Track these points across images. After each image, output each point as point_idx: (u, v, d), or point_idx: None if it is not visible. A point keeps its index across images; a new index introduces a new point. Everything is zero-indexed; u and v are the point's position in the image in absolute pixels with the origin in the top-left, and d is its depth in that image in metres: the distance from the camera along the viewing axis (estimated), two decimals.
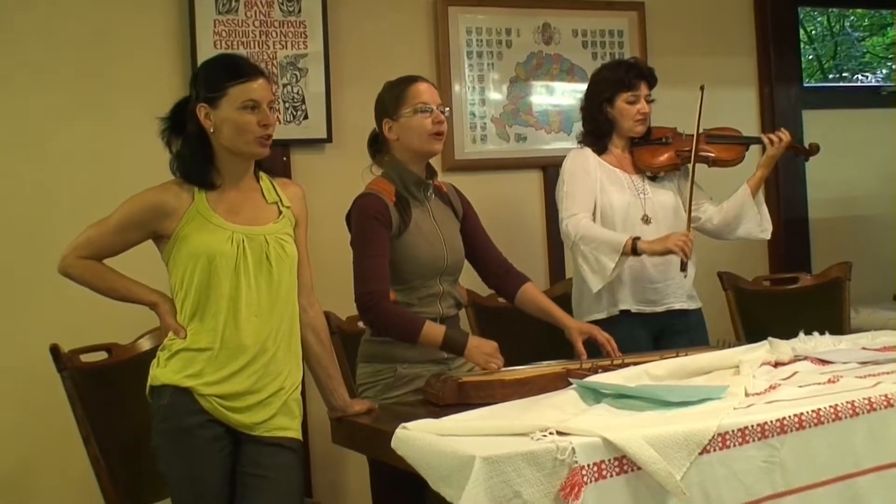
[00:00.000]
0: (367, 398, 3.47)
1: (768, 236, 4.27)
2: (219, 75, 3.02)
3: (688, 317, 4.13)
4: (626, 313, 4.02)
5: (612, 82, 4.11)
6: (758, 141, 4.28)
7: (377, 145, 3.63)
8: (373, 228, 3.41)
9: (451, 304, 3.57)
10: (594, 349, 3.62)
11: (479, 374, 3.32)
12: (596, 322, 3.90)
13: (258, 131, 2.98)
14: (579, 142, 4.23)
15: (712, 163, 4.19)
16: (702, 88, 4.08)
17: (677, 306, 4.10)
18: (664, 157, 4.14)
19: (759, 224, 4.20)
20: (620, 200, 4.04)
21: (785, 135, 4.19)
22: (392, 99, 3.51)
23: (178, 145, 3.09)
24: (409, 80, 3.55)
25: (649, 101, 4.12)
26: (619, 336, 3.66)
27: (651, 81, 4.14)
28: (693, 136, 4.07)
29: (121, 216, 3.04)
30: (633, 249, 3.83)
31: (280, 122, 4.41)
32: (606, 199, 4.04)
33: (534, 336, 4.15)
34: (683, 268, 3.92)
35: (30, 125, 4.15)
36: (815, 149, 4.37)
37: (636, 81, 4.09)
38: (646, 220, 4.05)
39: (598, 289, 3.92)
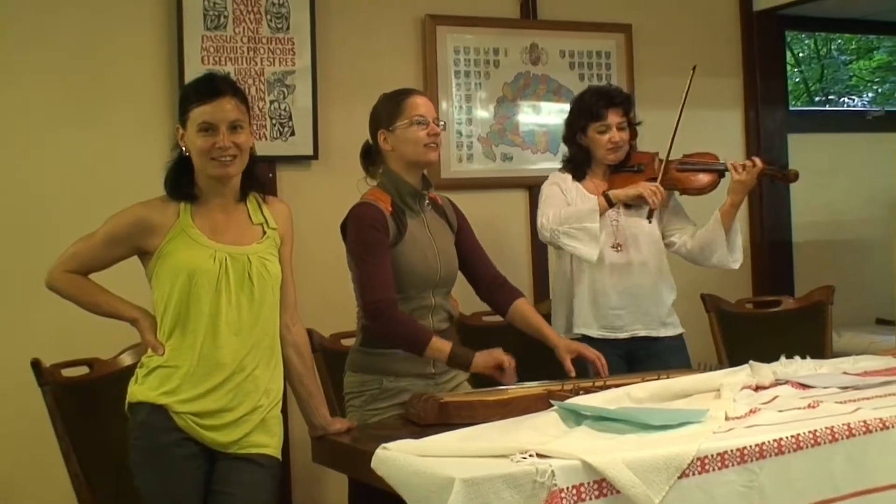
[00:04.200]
0: (353, 408, 3.48)
1: (736, 266, 4.19)
2: (186, 97, 3.06)
3: (658, 343, 4.10)
4: (585, 338, 4.00)
5: (583, 112, 4.14)
6: (723, 168, 4.16)
7: (370, 157, 3.62)
8: (372, 236, 3.41)
9: (442, 318, 3.57)
10: (584, 367, 3.63)
11: (461, 394, 3.32)
12: None
13: (213, 153, 2.97)
14: (560, 168, 4.25)
15: (682, 191, 4.19)
16: (693, 69, 4.12)
17: (643, 333, 4.08)
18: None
19: (728, 254, 4.12)
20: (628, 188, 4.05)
21: (756, 162, 4.09)
22: (388, 110, 3.52)
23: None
24: (406, 93, 3.57)
25: (623, 128, 4.11)
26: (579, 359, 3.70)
27: (626, 108, 4.14)
28: (662, 163, 4.09)
29: (107, 231, 3.05)
30: (608, 201, 3.95)
31: (266, 139, 4.42)
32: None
33: (516, 357, 4.16)
34: (650, 215, 3.96)
35: (17, 136, 4.15)
36: (792, 176, 4.26)
37: (604, 111, 4.09)
38: (616, 247, 4.06)
39: (595, 255, 3.95)
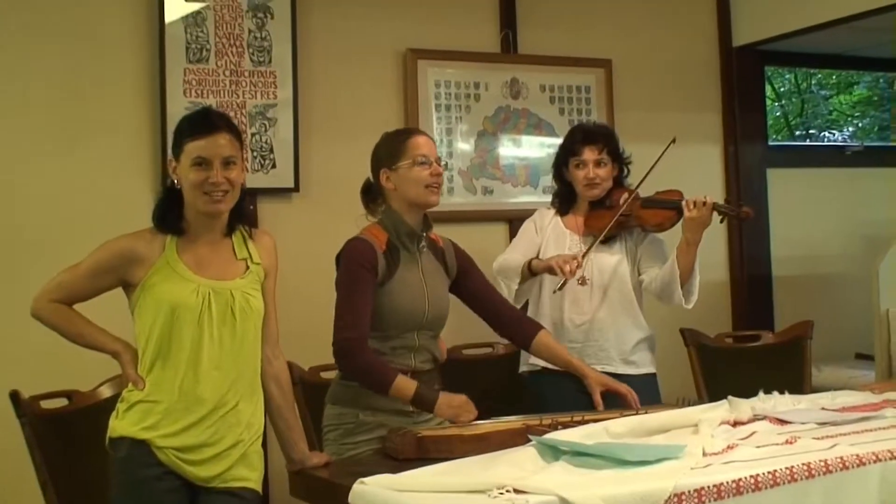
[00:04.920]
0: (329, 441, 3.47)
1: (689, 306, 4.11)
2: (181, 130, 3.05)
3: (621, 381, 3.85)
4: (546, 370, 3.97)
5: (563, 148, 4.21)
6: (677, 205, 4.09)
7: (370, 194, 3.62)
8: (358, 273, 3.41)
9: (425, 359, 3.55)
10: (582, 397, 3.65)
11: (439, 428, 3.32)
12: (531, 372, 4.07)
13: (205, 188, 2.98)
14: (550, 202, 4.32)
15: (645, 227, 4.17)
16: (672, 141, 4.13)
17: (599, 368, 3.93)
18: (603, 222, 4.12)
19: (683, 294, 4.05)
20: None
21: (707, 200, 3.98)
22: (390, 150, 3.52)
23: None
24: (409, 133, 3.59)
25: (602, 165, 4.12)
26: (543, 390, 3.70)
27: (605, 144, 4.14)
28: (629, 200, 4.11)
29: (92, 262, 3.05)
30: (530, 269, 4.00)
31: (248, 171, 4.42)
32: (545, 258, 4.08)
33: (495, 390, 4.17)
34: (560, 287, 3.97)
35: None
36: (744, 214, 4.16)
37: (580, 147, 4.12)
38: (581, 281, 4.06)
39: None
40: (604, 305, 4.11)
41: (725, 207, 4.10)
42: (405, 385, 3.36)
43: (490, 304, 3.76)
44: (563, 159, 4.19)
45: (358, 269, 3.42)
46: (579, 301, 4.11)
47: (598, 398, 3.61)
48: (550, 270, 3.90)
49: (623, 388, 3.66)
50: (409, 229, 3.52)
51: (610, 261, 4.14)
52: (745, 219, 4.23)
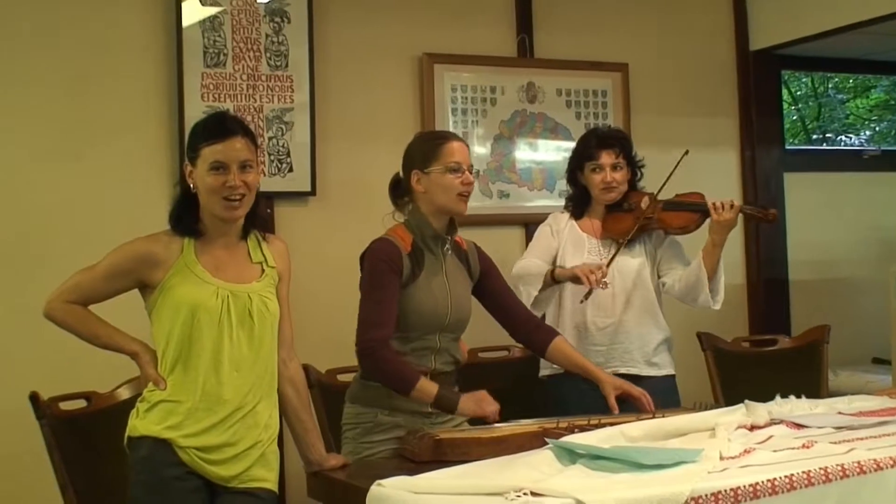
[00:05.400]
0: (347, 439, 3.49)
1: (717, 307, 4.16)
2: (197, 135, 3.06)
3: (642, 383, 3.96)
4: (569, 373, 3.96)
5: (579, 152, 4.21)
6: (703, 208, 4.15)
7: (398, 191, 3.62)
8: (383, 274, 3.42)
9: (446, 361, 3.56)
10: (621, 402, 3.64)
11: (456, 431, 3.33)
12: (551, 376, 4.06)
13: (223, 192, 2.99)
14: (564, 207, 4.31)
15: (667, 231, 4.20)
16: (685, 153, 4.12)
17: (622, 371, 4.04)
18: (623, 225, 4.15)
19: (709, 295, 4.10)
20: (575, 264, 4.05)
21: (734, 203, 4.06)
22: (424, 152, 3.52)
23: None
24: (444, 138, 3.57)
25: (618, 169, 4.13)
26: (564, 394, 3.69)
27: (621, 148, 4.16)
28: (651, 203, 4.12)
29: (109, 263, 3.06)
30: (553, 277, 3.99)
31: (265, 175, 4.43)
32: (562, 263, 4.10)
33: (512, 393, 4.16)
34: (586, 296, 3.96)
35: (11, 171, 4.17)
36: (772, 216, 4.25)
37: (597, 151, 4.13)
38: (603, 285, 4.05)
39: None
40: (627, 308, 4.12)
41: (752, 209, 4.21)
42: (427, 387, 3.37)
43: (508, 309, 3.77)
44: (578, 163, 4.19)
45: (383, 270, 3.43)
46: (603, 305, 4.12)
47: (612, 402, 3.61)
48: (576, 279, 3.91)
49: (637, 391, 3.66)
50: (434, 232, 3.53)
51: (632, 264, 4.15)
52: (771, 221, 4.29)
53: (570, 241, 4.17)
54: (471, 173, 3.54)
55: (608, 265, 3.98)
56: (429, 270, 3.51)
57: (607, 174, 4.12)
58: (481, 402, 3.40)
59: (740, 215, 4.11)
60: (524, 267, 4.10)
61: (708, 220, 4.11)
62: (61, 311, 3.07)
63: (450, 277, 3.58)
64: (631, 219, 4.13)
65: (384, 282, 3.42)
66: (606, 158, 4.12)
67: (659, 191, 4.13)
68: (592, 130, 4.37)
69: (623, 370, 4.07)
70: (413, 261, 3.47)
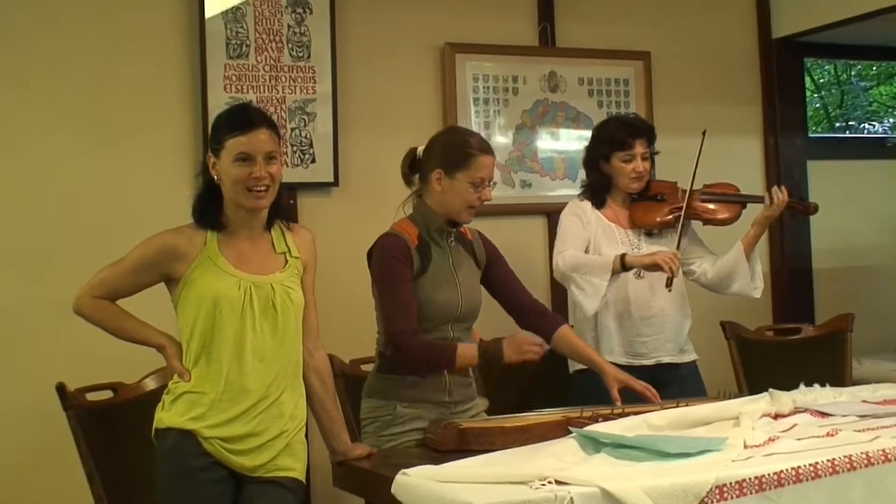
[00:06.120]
0: (367, 434, 3.50)
1: (758, 295, 4.23)
2: (220, 127, 3.08)
3: (678, 369, 4.13)
4: (612, 365, 3.95)
5: (608, 141, 4.15)
6: (759, 199, 4.23)
7: (413, 169, 3.63)
8: (396, 267, 3.44)
9: None
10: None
11: (480, 420, 3.34)
12: (581, 371, 3.98)
13: (249, 183, 3.00)
14: (579, 195, 4.26)
15: (706, 221, 4.22)
16: (703, 134, 4.12)
17: (666, 360, 4.11)
18: (657, 215, 4.16)
19: (749, 282, 4.18)
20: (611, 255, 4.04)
21: (783, 194, 4.15)
22: (455, 157, 3.51)
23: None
24: (479, 150, 3.52)
25: (647, 158, 4.13)
26: (596, 390, 3.69)
27: (649, 138, 4.16)
28: (687, 193, 4.11)
29: (135, 258, 3.08)
30: (623, 265, 3.91)
31: (287, 166, 4.44)
32: (597, 253, 4.06)
33: (536, 383, 4.18)
34: (669, 283, 3.94)
35: (37, 164, 4.17)
36: (813, 209, 4.34)
37: (630, 140, 4.10)
38: (638, 274, 4.06)
39: (593, 311, 3.96)
40: (666, 298, 4.11)
41: (797, 203, 4.27)
42: (468, 351, 3.42)
43: (513, 296, 3.77)
44: (606, 151, 4.14)
45: (395, 264, 3.45)
46: (643, 295, 4.11)
47: (615, 393, 3.61)
48: (655, 267, 3.88)
49: (640, 385, 3.65)
50: (438, 225, 3.55)
51: None
52: (813, 212, 4.38)
53: (600, 231, 4.12)
54: (489, 189, 3.55)
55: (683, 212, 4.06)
56: (436, 263, 3.53)
57: (639, 163, 4.11)
58: (524, 345, 3.41)
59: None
60: (576, 258, 3.99)
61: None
62: (90, 307, 3.09)
63: (457, 268, 3.59)
64: (666, 209, 4.13)
65: (399, 274, 3.44)
66: (639, 147, 4.11)
67: (692, 180, 4.12)
68: (617, 118, 4.37)
69: (667, 359, 4.12)
70: (421, 254, 3.49)
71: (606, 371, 3.68)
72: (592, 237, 4.10)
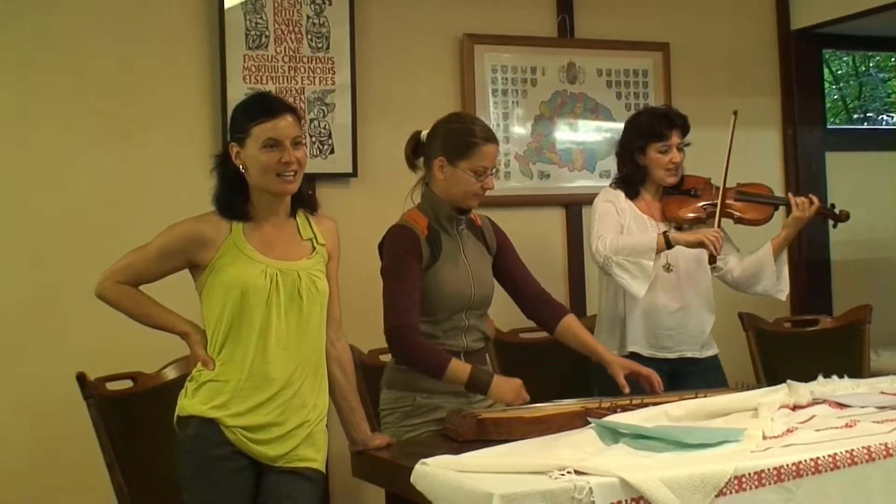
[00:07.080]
0: (387, 424, 3.51)
1: (783, 298, 4.27)
2: (244, 115, 3.07)
3: (700, 363, 4.14)
4: (635, 355, 4.00)
5: (645, 132, 4.12)
6: (784, 203, 4.26)
7: (417, 153, 3.62)
8: (404, 260, 3.44)
9: (476, 338, 3.58)
10: (633, 383, 3.62)
11: (499, 410, 3.34)
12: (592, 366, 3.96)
13: (279, 169, 3.01)
14: (612, 185, 4.24)
15: (737, 220, 4.22)
16: (734, 114, 4.13)
17: (689, 354, 4.12)
18: (690, 211, 4.15)
19: (775, 284, 4.20)
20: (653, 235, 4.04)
21: (814, 200, 4.17)
22: (457, 145, 3.49)
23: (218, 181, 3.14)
24: (482, 139, 3.50)
25: (682, 149, 4.12)
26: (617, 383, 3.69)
27: (684, 129, 4.14)
28: (721, 190, 4.11)
29: (160, 244, 3.08)
30: (667, 242, 3.90)
31: (307, 156, 4.44)
32: None
33: (554, 374, 4.18)
34: (713, 261, 3.97)
35: (56, 156, 4.20)
36: (844, 216, 4.33)
37: (668, 131, 4.09)
38: (667, 268, 4.06)
39: (643, 292, 3.94)
40: (690, 291, 4.13)
41: (827, 209, 4.30)
42: (459, 369, 3.38)
43: (521, 284, 3.75)
44: (643, 142, 4.12)
45: (403, 256, 3.45)
46: (669, 288, 4.11)
47: (622, 381, 3.57)
48: (700, 244, 3.89)
49: (645, 370, 3.63)
50: (448, 213, 3.54)
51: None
52: (844, 220, 4.37)
53: (632, 221, 4.11)
54: (492, 178, 3.55)
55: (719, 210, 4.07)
56: (447, 252, 3.52)
57: (675, 154, 4.11)
58: (513, 392, 3.40)
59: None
60: (618, 242, 3.94)
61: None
62: (113, 291, 3.09)
63: (468, 256, 3.59)
64: (699, 204, 4.14)
65: (406, 268, 3.44)
66: (675, 138, 4.10)
67: (725, 177, 4.11)
68: (651, 109, 4.36)
69: (689, 353, 4.13)
70: (432, 244, 3.49)
71: (610, 360, 3.66)
72: (626, 227, 4.09)
